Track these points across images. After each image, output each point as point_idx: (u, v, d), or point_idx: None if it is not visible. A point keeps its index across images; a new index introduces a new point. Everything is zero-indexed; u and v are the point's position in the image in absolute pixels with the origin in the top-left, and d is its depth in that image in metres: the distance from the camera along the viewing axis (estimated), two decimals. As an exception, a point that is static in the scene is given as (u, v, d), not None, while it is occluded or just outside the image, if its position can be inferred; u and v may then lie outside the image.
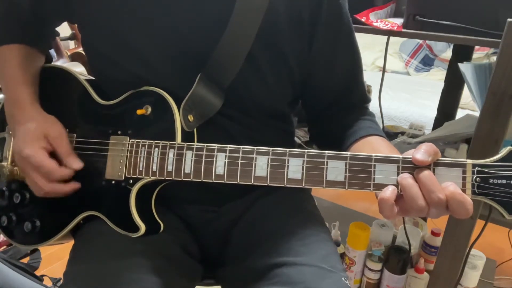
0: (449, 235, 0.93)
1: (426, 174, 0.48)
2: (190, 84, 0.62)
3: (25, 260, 1.25)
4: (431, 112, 1.73)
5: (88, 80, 0.71)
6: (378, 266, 1.24)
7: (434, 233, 1.25)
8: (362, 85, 0.76)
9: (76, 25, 0.71)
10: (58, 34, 0.80)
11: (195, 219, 0.75)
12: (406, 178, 0.49)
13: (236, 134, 0.69)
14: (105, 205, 0.64)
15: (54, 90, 0.72)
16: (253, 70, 0.65)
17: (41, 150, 0.63)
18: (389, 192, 0.49)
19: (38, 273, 1.22)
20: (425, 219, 1.46)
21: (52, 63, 0.77)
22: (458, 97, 1.34)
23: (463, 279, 1.14)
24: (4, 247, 1.31)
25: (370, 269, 1.26)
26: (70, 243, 0.70)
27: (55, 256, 1.58)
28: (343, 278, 0.62)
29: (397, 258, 1.20)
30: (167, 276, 0.63)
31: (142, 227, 0.61)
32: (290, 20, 0.65)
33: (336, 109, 0.75)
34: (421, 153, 0.49)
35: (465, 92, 1.24)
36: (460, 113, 1.33)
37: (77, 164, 0.64)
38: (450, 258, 0.95)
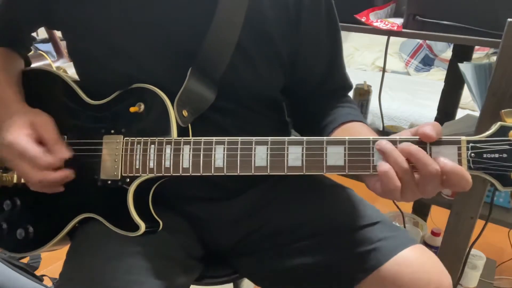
0: (449, 235, 0.93)
1: (415, 148, 0.49)
2: (182, 80, 0.62)
3: (25, 260, 1.25)
4: (431, 112, 1.73)
5: (75, 81, 0.69)
6: (378, 266, 1.24)
7: (434, 233, 1.25)
8: (343, 69, 0.77)
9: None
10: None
11: (200, 214, 0.74)
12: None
13: (230, 127, 0.69)
14: (102, 206, 0.63)
15: (41, 93, 0.70)
16: (243, 59, 0.65)
17: (25, 136, 0.60)
18: (387, 164, 0.50)
19: (38, 273, 1.22)
20: (425, 219, 1.45)
21: (41, 65, 0.77)
22: (458, 97, 1.34)
23: (463, 279, 1.14)
24: (4, 247, 1.31)
25: (370, 269, 1.25)
26: (70, 243, 0.70)
27: (55, 256, 1.57)
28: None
29: (397, 258, 1.20)
30: (165, 276, 0.62)
31: (142, 226, 0.60)
32: (275, 7, 0.65)
33: (318, 96, 0.76)
34: (429, 128, 0.50)
35: (465, 92, 1.24)
36: (460, 113, 1.33)
37: (64, 152, 0.62)
38: (450, 258, 0.95)
